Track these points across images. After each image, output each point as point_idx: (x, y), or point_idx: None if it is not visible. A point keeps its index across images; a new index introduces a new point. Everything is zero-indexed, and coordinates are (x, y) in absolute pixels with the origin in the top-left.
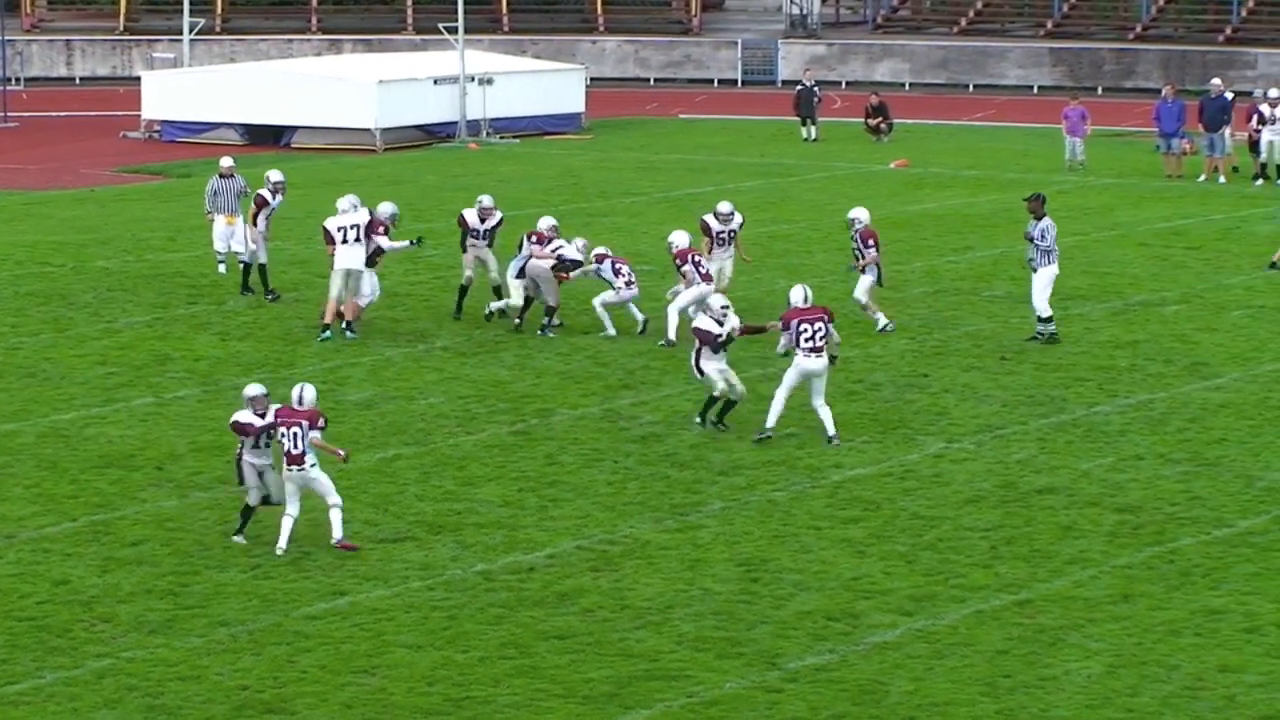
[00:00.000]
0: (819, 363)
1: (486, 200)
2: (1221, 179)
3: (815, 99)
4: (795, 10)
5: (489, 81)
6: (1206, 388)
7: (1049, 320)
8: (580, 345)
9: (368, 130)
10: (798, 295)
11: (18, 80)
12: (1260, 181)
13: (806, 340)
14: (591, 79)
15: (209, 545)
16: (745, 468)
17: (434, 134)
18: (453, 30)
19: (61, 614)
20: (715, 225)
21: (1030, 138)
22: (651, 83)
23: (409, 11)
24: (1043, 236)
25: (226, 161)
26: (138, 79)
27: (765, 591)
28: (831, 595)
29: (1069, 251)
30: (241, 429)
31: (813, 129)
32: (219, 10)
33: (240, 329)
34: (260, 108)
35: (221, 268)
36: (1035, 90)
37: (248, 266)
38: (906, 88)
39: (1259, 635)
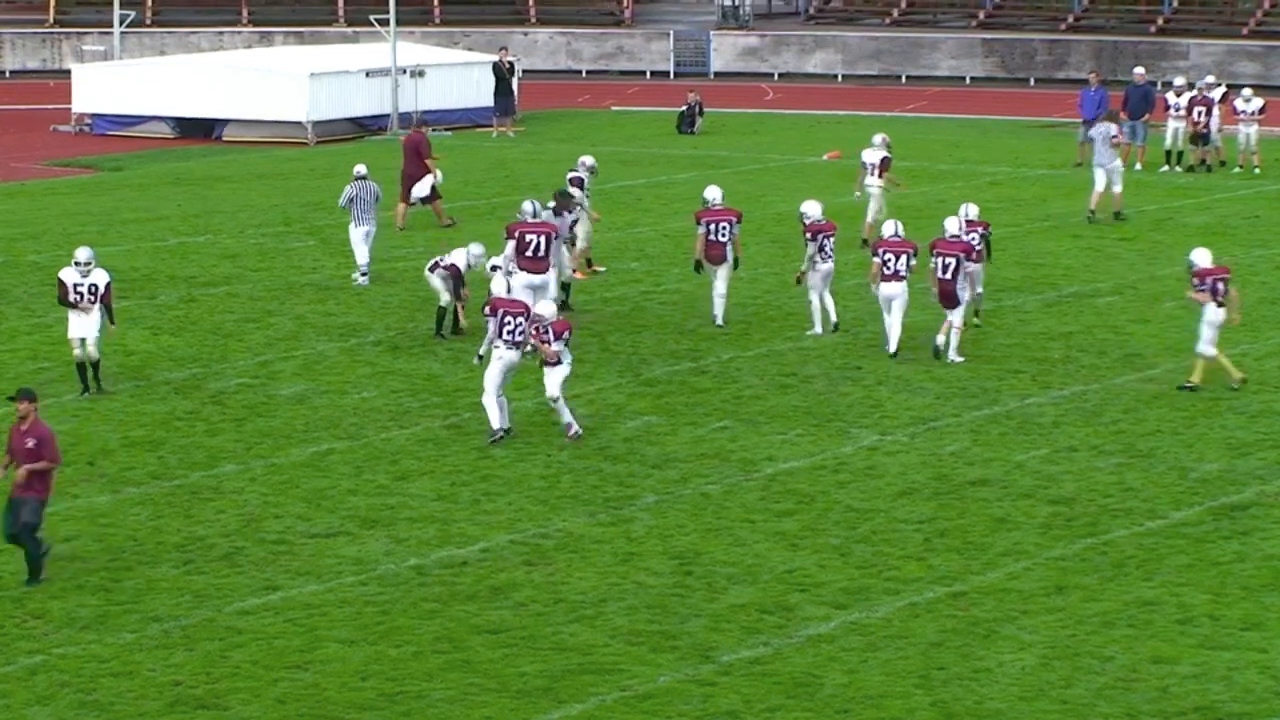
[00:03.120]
0: (513, 354)
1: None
2: (1139, 166)
3: (698, 113)
4: (727, 1)
5: (421, 74)
6: (1140, 379)
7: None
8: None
9: (299, 123)
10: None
11: None
12: (1167, 168)
13: (509, 334)
14: (523, 71)
15: (141, 540)
16: (678, 461)
17: (366, 126)
18: (384, 22)
19: None
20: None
21: (963, 129)
22: (584, 75)
23: (340, 4)
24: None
25: (361, 169)
26: (68, 72)
27: (699, 584)
28: (765, 588)
29: (1001, 242)
30: None
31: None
32: (149, 3)
33: (172, 323)
34: (191, 101)
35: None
36: (968, 81)
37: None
38: (839, 79)
39: (1192, 626)
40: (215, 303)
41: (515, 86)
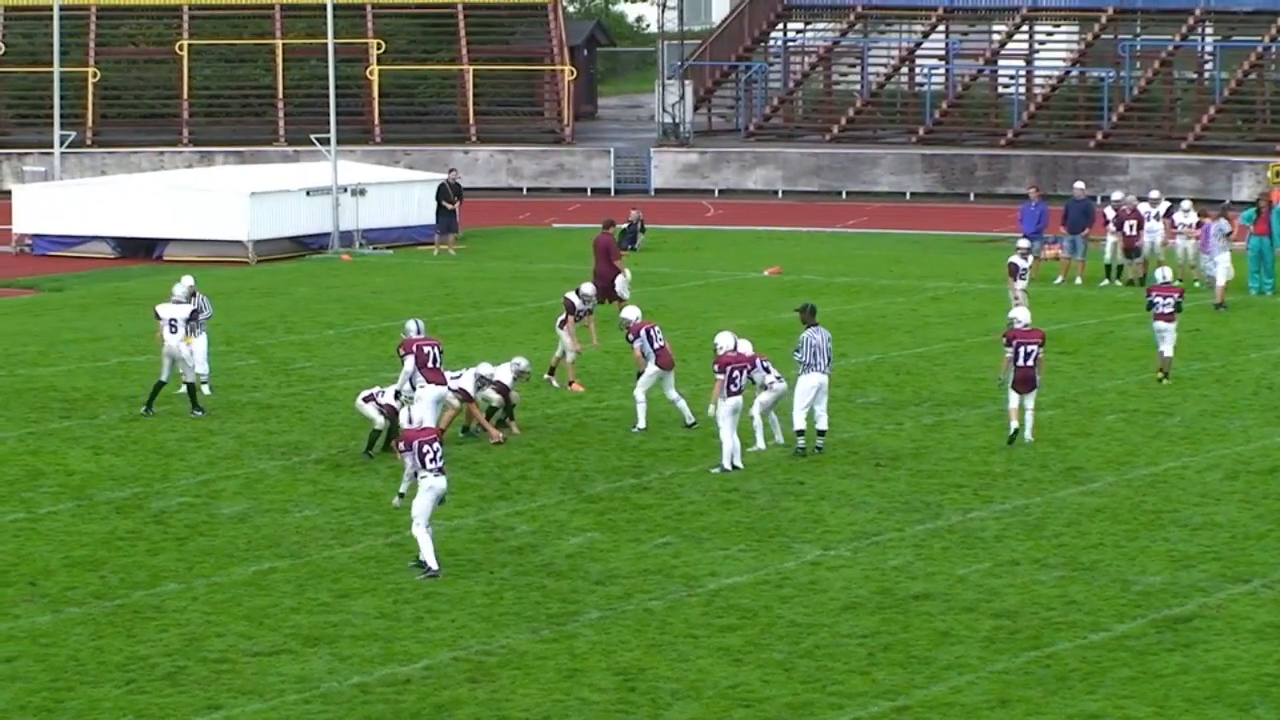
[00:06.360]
0: (442, 481)
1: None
2: (1079, 280)
3: (640, 230)
4: (667, 119)
5: (361, 192)
6: (1082, 492)
7: (801, 433)
8: (456, 456)
9: (240, 242)
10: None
11: None
12: (1107, 282)
13: (431, 461)
14: (464, 189)
15: (83, 660)
16: (621, 577)
17: (307, 245)
18: (325, 141)
19: None
20: (579, 304)
21: (903, 244)
22: (524, 192)
23: (281, 123)
24: (798, 348)
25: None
26: (8, 192)
27: (643, 701)
28: (709, 704)
29: (942, 357)
30: None
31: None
32: (90, 123)
33: (114, 443)
34: (132, 220)
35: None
36: (908, 196)
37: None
38: (779, 195)
39: None
40: (157, 422)
41: (457, 204)
